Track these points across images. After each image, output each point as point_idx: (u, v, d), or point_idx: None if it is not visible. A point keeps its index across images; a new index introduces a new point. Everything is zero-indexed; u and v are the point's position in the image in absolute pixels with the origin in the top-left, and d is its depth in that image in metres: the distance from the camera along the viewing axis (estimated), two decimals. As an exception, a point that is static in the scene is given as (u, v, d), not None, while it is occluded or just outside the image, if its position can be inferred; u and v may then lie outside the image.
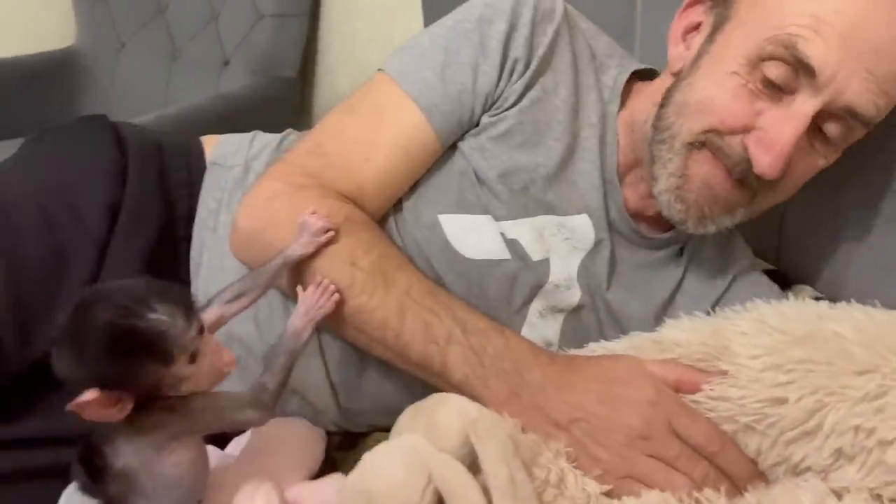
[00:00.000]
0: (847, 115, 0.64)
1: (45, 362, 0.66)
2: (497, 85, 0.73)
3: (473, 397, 0.62)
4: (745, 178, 0.67)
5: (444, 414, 0.59)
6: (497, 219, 0.73)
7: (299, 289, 0.63)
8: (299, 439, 0.73)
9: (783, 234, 0.89)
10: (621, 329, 0.75)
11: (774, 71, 0.64)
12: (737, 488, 0.58)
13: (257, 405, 0.58)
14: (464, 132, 0.75)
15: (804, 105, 0.63)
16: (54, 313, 0.68)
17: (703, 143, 0.68)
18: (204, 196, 0.80)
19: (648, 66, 0.80)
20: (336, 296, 0.63)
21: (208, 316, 0.64)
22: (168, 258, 0.76)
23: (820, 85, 0.63)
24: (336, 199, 0.70)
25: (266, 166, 0.79)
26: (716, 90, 0.67)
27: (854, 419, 0.54)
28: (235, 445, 0.73)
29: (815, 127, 0.66)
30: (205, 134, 0.90)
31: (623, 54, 0.81)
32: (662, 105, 0.71)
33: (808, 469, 0.57)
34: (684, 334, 0.64)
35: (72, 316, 0.53)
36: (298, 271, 0.67)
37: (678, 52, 0.74)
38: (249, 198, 0.71)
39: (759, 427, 0.58)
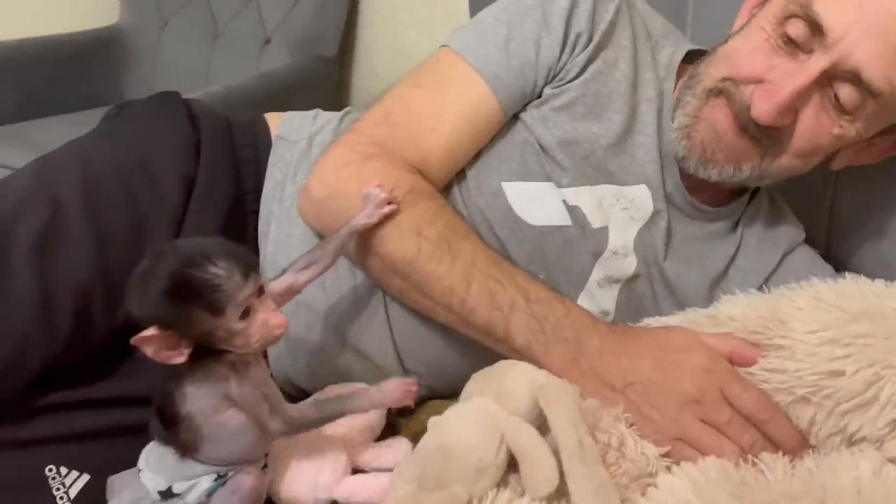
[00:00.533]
0: (855, 79, 0.65)
1: (130, 327, 0.71)
2: (559, 58, 0.75)
3: (534, 362, 0.64)
4: (747, 125, 0.69)
5: (513, 379, 0.61)
6: (559, 186, 0.75)
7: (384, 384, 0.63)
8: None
9: (833, 216, 0.91)
10: (676, 300, 0.77)
11: (794, 29, 0.66)
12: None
13: (287, 423, 0.62)
14: (526, 103, 0.77)
15: (814, 62, 0.65)
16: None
17: (721, 91, 0.71)
18: (270, 169, 0.82)
19: (702, 48, 0.82)
20: (413, 397, 0.63)
21: (280, 284, 0.68)
22: (238, 230, 0.79)
23: (829, 44, 0.64)
24: (403, 168, 0.72)
25: (330, 140, 0.82)
26: (742, 42, 0.72)
27: None
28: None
29: (830, 91, 0.67)
30: (250, 109, 0.93)
31: (678, 35, 0.83)
32: (703, 61, 0.75)
33: (863, 439, 0.58)
34: (739, 309, 0.65)
35: (147, 260, 0.58)
36: (366, 239, 0.70)
37: (739, 24, 0.77)
38: (320, 166, 0.74)
39: (815, 398, 0.59)
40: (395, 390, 0.62)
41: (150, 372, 0.72)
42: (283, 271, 0.68)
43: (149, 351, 0.57)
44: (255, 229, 0.81)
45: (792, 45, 0.67)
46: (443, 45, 0.78)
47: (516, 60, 0.75)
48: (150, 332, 0.56)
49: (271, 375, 0.64)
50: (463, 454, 0.55)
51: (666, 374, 0.62)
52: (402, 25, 1.97)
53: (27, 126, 1.89)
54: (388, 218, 0.69)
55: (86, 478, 0.68)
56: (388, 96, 0.78)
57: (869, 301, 0.61)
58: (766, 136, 0.70)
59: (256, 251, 0.80)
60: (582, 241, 0.76)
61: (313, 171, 0.75)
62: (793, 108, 0.68)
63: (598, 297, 0.77)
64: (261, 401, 0.61)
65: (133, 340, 0.56)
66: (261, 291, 0.59)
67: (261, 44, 2.06)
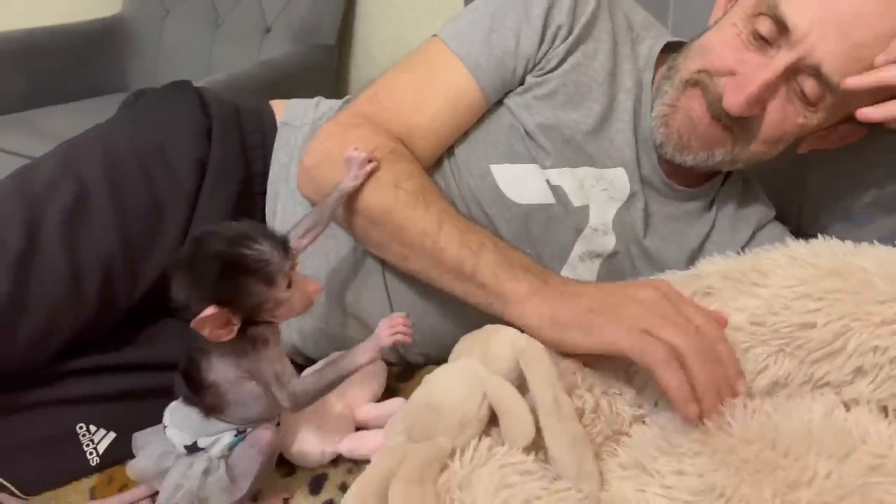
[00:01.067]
0: (817, 74, 0.71)
1: (149, 298, 0.77)
2: (539, 49, 0.81)
3: (500, 293, 0.68)
4: (720, 115, 0.75)
5: (497, 342, 0.65)
6: (543, 167, 0.81)
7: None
8: (366, 369, 0.83)
9: (805, 195, 0.96)
10: (656, 273, 0.82)
11: (762, 26, 0.72)
12: (726, 379, 0.61)
13: (291, 399, 0.66)
14: (508, 90, 0.83)
15: (780, 58, 0.71)
16: (154, 256, 0.78)
17: (697, 82, 0.76)
18: (276, 153, 0.88)
19: (682, 40, 0.87)
20: (405, 330, 0.66)
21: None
22: (248, 210, 0.85)
23: (794, 41, 0.70)
24: (386, 136, 0.78)
25: None
26: (715, 37, 0.77)
27: (874, 340, 0.61)
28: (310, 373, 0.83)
29: (795, 83, 0.73)
30: (252, 96, 0.98)
31: (659, 28, 0.88)
32: (680, 53, 0.81)
33: (827, 384, 0.64)
34: (719, 265, 0.70)
35: (189, 247, 0.63)
36: (349, 200, 0.76)
37: (715, 17, 0.82)
38: (312, 141, 0.81)
39: (789, 349, 0.64)
40: (385, 330, 0.65)
41: (167, 339, 0.79)
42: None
43: (205, 331, 0.61)
44: (263, 209, 0.87)
45: (761, 41, 0.73)
46: (433, 35, 0.84)
47: (497, 50, 0.80)
48: (210, 310, 0.60)
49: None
50: (448, 409, 0.60)
51: (624, 298, 0.64)
52: (399, 15, 2.01)
53: (35, 114, 1.93)
54: (369, 175, 0.75)
55: (112, 435, 0.75)
56: (378, 81, 0.84)
57: (839, 259, 0.65)
58: (737, 125, 0.76)
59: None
60: (564, 218, 0.82)
61: (307, 146, 0.81)
62: (761, 100, 0.73)
63: (579, 270, 0.83)
64: (272, 377, 0.65)
65: (193, 324, 0.59)
66: (293, 264, 0.65)
67: (261, 33, 2.09)
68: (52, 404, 0.72)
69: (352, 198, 0.75)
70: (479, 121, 0.83)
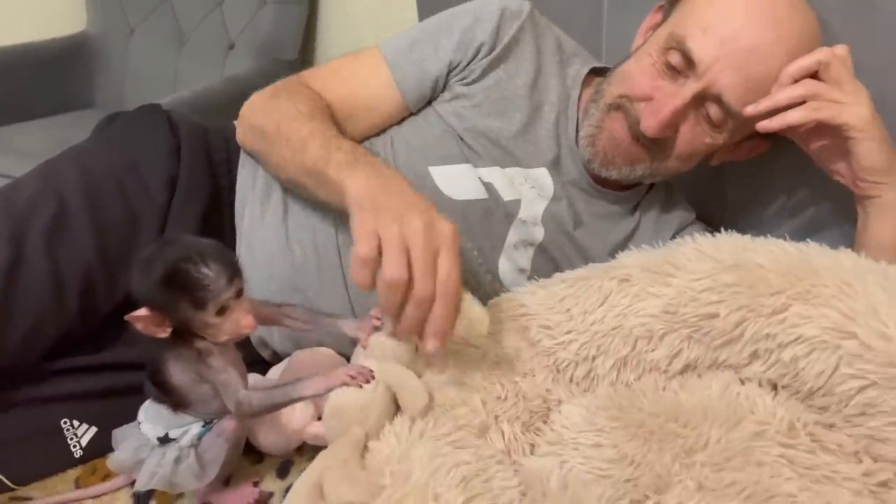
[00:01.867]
0: (719, 101, 0.81)
1: (127, 303, 0.84)
2: (459, 57, 0.92)
3: (341, 187, 0.74)
4: (639, 136, 0.85)
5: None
6: (475, 166, 0.91)
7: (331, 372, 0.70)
8: (326, 365, 0.90)
9: (726, 201, 1.07)
10: (586, 260, 0.91)
11: (673, 58, 0.83)
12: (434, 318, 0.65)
13: (237, 407, 0.70)
14: (431, 94, 0.94)
15: (688, 87, 0.82)
16: (130, 265, 0.84)
17: (619, 106, 0.87)
18: (243, 162, 0.96)
19: (605, 66, 0.98)
20: (362, 381, 0.68)
21: (267, 308, 0.77)
22: (216, 220, 0.92)
23: (699, 73, 0.81)
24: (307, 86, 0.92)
25: None
26: (634, 65, 0.88)
27: (766, 329, 0.69)
28: (275, 371, 0.90)
29: (703, 109, 0.83)
30: (216, 112, 1.07)
31: (586, 55, 1.00)
32: (605, 79, 0.91)
33: (729, 366, 0.72)
34: (638, 256, 0.79)
35: (153, 246, 0.68)
36: (254, 114, 0.93)
37: (637, 45, 0.93)
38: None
39: (696, 336, 0.72)
40: (343, 372, 0.69)
41: (143, 341, 0.85)
42: (277, 305, 0.78)
43: (139, 326, 0.66)
44: (231, 218, 0.94)
45: (673, 71, 0.83)
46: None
47: (417, 55, 0.93)
48: (142, 312, 0.66)
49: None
50: (349, 405, 0.69)
51: (399, 200, 0.70)
52: (358, 31, 2.08)
53: (3, 131, 1.96)
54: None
55: (94, 430, 0.81)
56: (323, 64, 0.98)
57: (739, 254, 0.73)
58: (654, 144, 0.86)
59: (234, 235, 0.93)
60: (497, 210, 0.91)
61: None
62: (673, 123, 0.84)
63: (515, 258, 0.92)
64: (219, 384, 0.70)
65: (127, 317, 0.65)
66: (240, 293, 0.68)
67: (225, 49, 2.13)
68: (38, 401, 0.79)
69: (255, 116, 0.91)
70: (417, 129, 0.94)
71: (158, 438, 0.74)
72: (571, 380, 0.77)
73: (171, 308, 0.66)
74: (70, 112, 2.19)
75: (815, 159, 0.86)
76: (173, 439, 0.74)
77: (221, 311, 0.67)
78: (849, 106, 0.78)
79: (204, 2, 2.15)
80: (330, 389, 0.69)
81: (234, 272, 0.67)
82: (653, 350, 0.74)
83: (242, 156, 0.97)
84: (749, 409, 0.67)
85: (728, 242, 0.76)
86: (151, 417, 0.75)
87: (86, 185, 0.83)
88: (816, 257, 0.71)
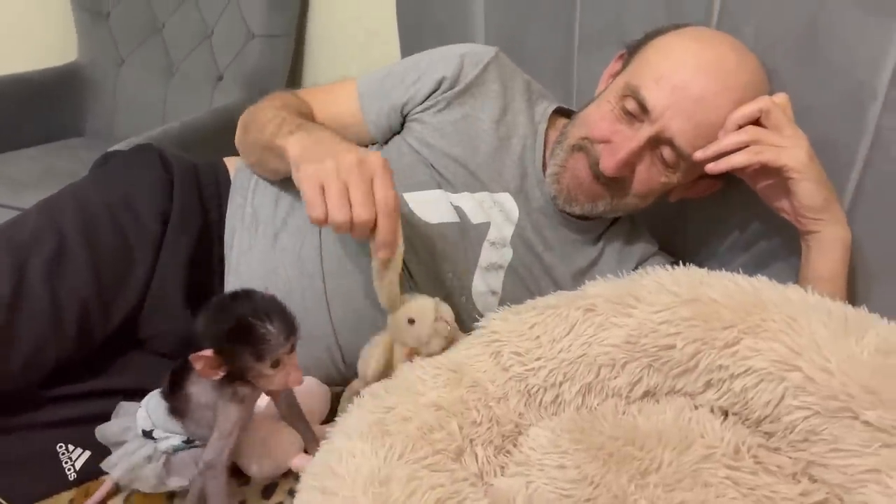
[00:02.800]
0: (671, 144, 0.88)
1: (120, 332, 0.89)
2: (418, 88, 1.00)
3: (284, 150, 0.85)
4: (599, 175, 0.92)
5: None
6: (447, 191, 0.98)
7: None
8: (311, 394, 0.93)
9: (686, 234, 1.13)
10: (551, 281, 0.98)
11: (629, 104, 0.90)
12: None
13: (205, 465, 0.74)
14: (391, 122, 1.02)
15: (643, 131, 0.89)
16: (125, 294, 0.90)
17: (581, 147, 0.94)
18: (232, 195, 1.02)
19: (570, 108, 1.06)
20: None
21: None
22: (206, 251, 0.97)
23: (653, 119, 0.88)
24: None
25: None
26: (595, 110, 0.95)
27: (718, 360, 0.72)
28: (263, 399, 0.94)
29: (657, 151, 0.90)
30: (205, 142, 1.13)
31: (551, 97, 1.08)
32: (570, 122, 0.98)
33: (686, 394, 0.77)
34: (602, 287, 0.82)
35: (226, 297, 0.74)
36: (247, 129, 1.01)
37: (599, 90, 1.00)
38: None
39: (656, 365, 0.77)
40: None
41: (134, 369, 0.90)
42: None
43: (197, 366, 0.71)
44: (220, 249, 0.99)
45: (630, 116, 0.90)
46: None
47: (385, 87, 1.02)
48: (208, 353, 0.71)
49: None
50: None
51: (330, 147, 0.81)
52: (344, 64, 2.14)
53: (-4, 160, 1.99)
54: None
55: (87, 454, 0.85)
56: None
57: (696, 288, 0.76)
58: (614, 183, 0.93)
59: (222, 266, 0.98)
60: (467, 233, 0.97)
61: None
62: (630, 163, 0.91)
63: (487, 279, 0.98)
64: (217, 427, 0.74)
65: (191, 357, 0.70)
66: (293, 349, 0.74)
67: (213, 80, 2.18)
68: (36, 427, 0.83)
69: (244, 120, 1.03)
70: (390, 159, 0.96)
71: (143, 431, 0.78)
72: (540, 404, 0.81)
73: (233, 356, 0.72)
74: (60, 140, 2.22)
75: (762, 198, 0.93)
76: (154, 439, 0.78)
77: (276, 363, 0.73)
78: (787, 149, 0.84)
79: (193, 34, 2.20)
80: None
81: (291, 330, 0.73)
82: (615, 377, 0.78)
83: (232, 189, 1.02)
84: (699, 434, 0.72)
85: (686, 276, 0.80)
86: (151, 408, 0.79)
87: (83, 221, 0.89)
88: (766, 292, 0.75)
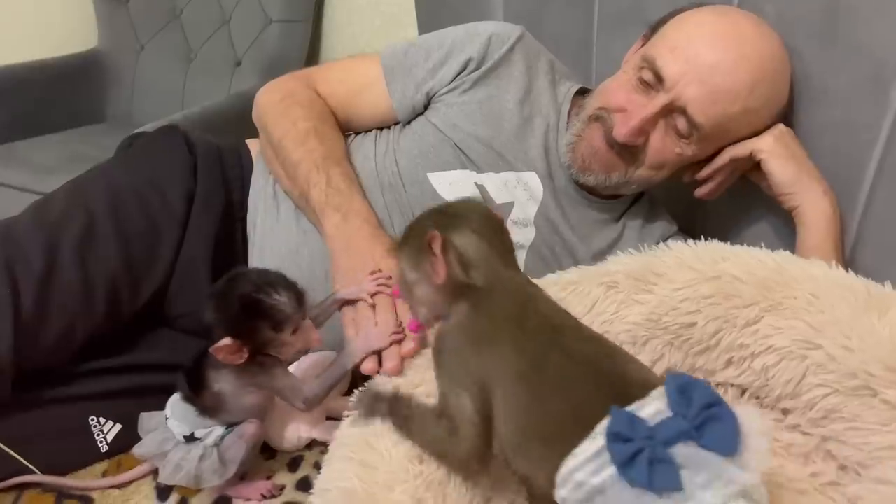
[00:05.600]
0: (685, 114, 0.89)
1: (149, 308, 0.91)
2: (448, 70, 1.00)
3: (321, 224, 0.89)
4: (613, 143, 0.93)
5: None
6: (470, 171, 0.98)
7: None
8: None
9: (706, 212, 1.13)
10: (575, 261, 0.98)
11: (645, 74, 0.91)
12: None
13: (307, 402, 0.78)
14: (415, 98, 1.02)
15: (657, 99, 0.89)
16: (152, 272, 0.91)
17: (597, 117, 0.94)
18: (255, 177, 1.03)
19: (592, 88, 1.06)
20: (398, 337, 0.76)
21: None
22: (230, 231, 0.99)
23: (667, 88, 0.89)
24: (307, 88, 1.03)
25: None
26: (611, 82, 0.96)
27: (740, 338, 0.73)
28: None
29: (672, 121, 0.91)
30: (225, 127, 1.14)
31: (575, 78, 1.08)
32: (588, 95, 1.00)
33: (706, 371, 0.76)
34: (623, 264, 0.82)
35: (223, 283, 0.75)
36: (268, 130, 1.00)
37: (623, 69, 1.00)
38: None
39: (676, 343, 0.77)
40: (376, 334, 0.76)
41: (163, 345, 0.92)
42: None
43: (220, 356, 0.73)
44: (243, 230, 1.01)
45: (645, 86, 0.91)
46: None
47: (409, 61, 1.02)
48: (226, 341, 0.72)
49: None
50: None
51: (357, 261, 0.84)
52: (361, 49, 2.14)
53: (18, 146, 2.02)
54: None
55: (118, 427, 0.88)
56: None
57: (717, 265, 0.76)
58: (627, 152, 0.93)
59: (245, 245, 1.00)
60: None
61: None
62: (644, 131, 0.91)
63: None
64: (285, 390, 0.78)
65: (211, 349, 0.71)
66: (305, 315, 0.76)
67: (232, 66, 2.20)
68: (69, 400, 0.85)
69: (266, 117, 1.01)
70: (415, 140, 1.01)
71: (185, 437, 0.80)
72: None
73: (252, 334, 0.73)
74: (82, 127, 2.25)
75: (763, 189, 0.97)
76: (198, 439, 0.80)
77: (294, 330, 0.75)
78: (753, 140, 0.92)
79: (211, 20, 2.22)
80: (369, 350, 0.76)
81: (300, 295, 0.75)
82: (637, 355, 0.78)
83: (255, 171, 1.04)
84: None
85: (707, 251, 0.79)
86: (179, 415, 0.81)
87: (111, 200, 0.90)
88: (789, 268, 0.75)
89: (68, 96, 2.25)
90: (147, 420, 0.83)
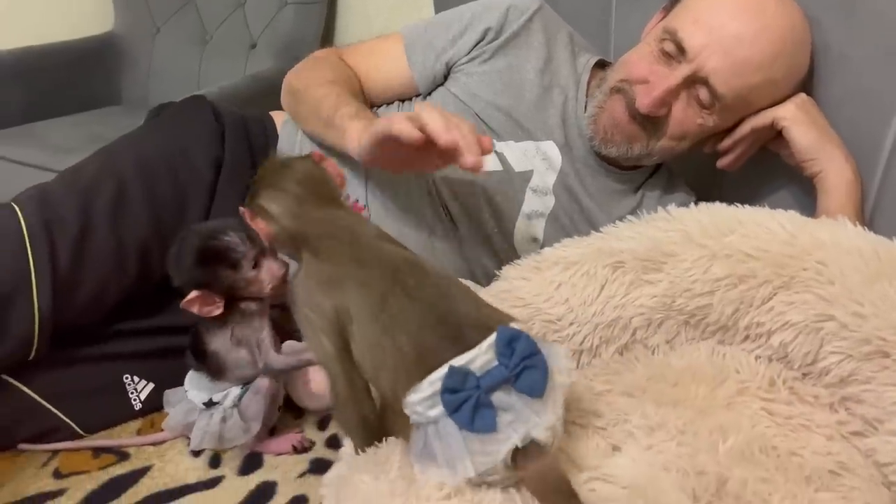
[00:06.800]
0: (706, 84, 0.90)
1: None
2: (463, 37, 1.02)
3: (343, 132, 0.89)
4: (635, 114, 0.94)
5: None
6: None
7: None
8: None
9: (722, 184, 1.15)
10: (594, 229, 0.95)
11: (667, 45, 0.92)
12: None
13: (265, 367, 0.82)
14: (435, 69, 1.04)
15: (679, 70, 0.91)
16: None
17: (619, 89, 0.96)
18: (280, 145, 1.06)
19: (609, 60, 1.08)
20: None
21: None
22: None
23: (690, 59, 0.90)
24: (336, 55, 1.08)
25: None
26: (633, 54, 0.98)
27: (756, 318, 0.74)
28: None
29: (694, 92, 0.92)
30: (242, 107, 1.16)
31: (593, 50, 1.10)
32: (610, 68, 1.01)
33: (721, 342, 0.77)
34: (628, 240, 0.80)
35: (176, 244, 0.81)
36: (290, 82, 1.05)
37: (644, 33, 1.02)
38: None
39: (692, 322, 0.78)
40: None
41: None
42: None
43: (194, 309, 0.78)
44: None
45: (667, 57, 0.92)
46: None
47: (429, 35, 1.05)
48: (192, 295, 0.77)
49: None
50: None
51: None
52: (377, 31, 2.14)
53: (36, 126, 2.04)
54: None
55: (151, 386, 0.90)
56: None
57: (725, 239, 0.75)
58: (650, 123, 0.95)
59: None
60: (509, 179, 1.00)
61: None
62: (667, 102, 0.92)
63: (529, 226, 1.02)
64: (254, 343, 0.82)
65: (182, 305, 0.76)
66: (263, 251, 0.80)
67: (247, 48, 2.20)
68: (103, 359, 0.88)
69: (292, 82, 1.04)
70: None
71: (204, 403, 0.83)
72: (578, 366, 0.80)
73: (214, 280, 0.78)
74: (99, 109, 2.27)
75: (784, 158, 0.98)
76: (217, 402, 0.83)
77: (256, 265, 0.80)
78: (775, 109, 0.93)
79: (227, 2, 2.23)
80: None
81: (249, 233, 0.79)
82: (652, 336, 0.79)
83: (280, 140, 1.05)
84: (734, 369, 0.73)
85: (713, 223, 0.77)
86: (195, 385, 0.84)
87: (141, 167, 0.92)
88: (799, 236, 0.74)
89: (85, 78, 2.27)
90: (171, 396, 0.86)
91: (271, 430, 0.87)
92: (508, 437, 0.54)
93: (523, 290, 0.82)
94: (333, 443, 0.85)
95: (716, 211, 0.80)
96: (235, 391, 0.83)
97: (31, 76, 2.14)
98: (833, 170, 0.92)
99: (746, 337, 0.76)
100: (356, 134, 0.85)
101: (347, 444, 0.67)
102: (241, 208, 0.73)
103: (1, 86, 2.06)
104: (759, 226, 0.77)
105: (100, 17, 2.37)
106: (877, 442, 0.67)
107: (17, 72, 2.10)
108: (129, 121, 2.00)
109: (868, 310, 0.68)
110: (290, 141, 1.05)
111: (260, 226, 0.72)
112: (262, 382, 0.83)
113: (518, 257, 0.98)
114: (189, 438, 0.84)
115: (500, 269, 0.88)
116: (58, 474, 0.81)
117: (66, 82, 2.22)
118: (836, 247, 0.73)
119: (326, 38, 2.24)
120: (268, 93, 2.01)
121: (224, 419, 0.82)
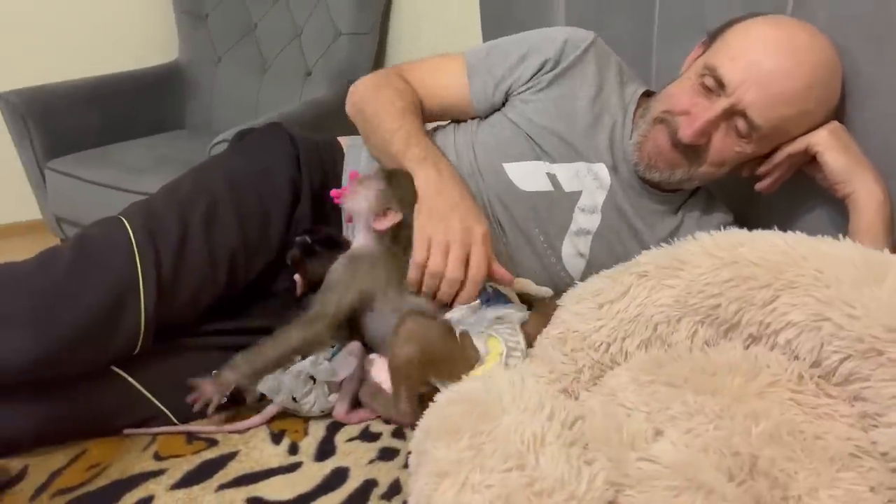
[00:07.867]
0: (744, 116, 0.98)
1: (259, 280, 1.03)
2: (522, 66, 1.11)
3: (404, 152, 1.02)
4: (678, 143, 1.02)
5: None
6: (544, 162, 1.09)
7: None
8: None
9: (760, 206, 1.21)
10: (641, 245, 1.07)
11: (708, 80, 1.00)
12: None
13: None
14: (493, 93, 1.13)
15: (719, 103, 0.98)
16: (264, 249, 1.04)
17: (662, 119, 1.04)
18: (346, 166, 1.16)
19: (654, 90, 1.15)
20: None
21: None
22: (328, 214, 1.11)
23: (729, 93, 0.97)
24: (399, 77, 1.15)
25: None
26: (676, 87, 1.05)
27: (759, 316, 0.79)
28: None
29: (732, 123, 0.99)
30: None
31: (640, 81, 1.18)
32: (653, 99, 1.09)
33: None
34: (652, 256, 0.90)
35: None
36: (362, 104, 1.14)
37: (684, 68, 1.10)
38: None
39: (707, 321, 0.84)
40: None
41: (272, 313, 1.04)
42: None
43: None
44: (338, 214, 1.12)
45: (707, 91, 1.00)
46: None
47: (490, 60, 1.14)
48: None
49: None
50: None
51: (447, 202, 0.97)
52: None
53: (111, 148, 2.20)
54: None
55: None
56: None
57: (734, 251, 0.82)
58: (691, 151, 1.03)
59: (340, 227, 1.12)
60: (560, 200, 1.09)
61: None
62: (707, 133, 1.00)
63: (576, 243, 1.10)
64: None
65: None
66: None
67: (303, 76, 2.35)
68: (195, 355, 0.98)
69: (362, 101, 1.13)
70: (493, 133, 1.12)
71: (299, 371, 0.94)
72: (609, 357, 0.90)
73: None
74: (165, 132, 2.42)
75: (818, 181, 1.05)
76: (313, 378, 0.94)
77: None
78: (809, 136, 1.01)
79: (284, 33, 2.38)
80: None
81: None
82: (673, 332, 0.86)
83: (348, 158, 1.16)
84: (766, 364, 0.79)
85: (726, 240, 0.86)
86: (298, 370, 0.95)
87: (230, 185, 1.03)
88: (799, 247, 0.81)
89: (154, 104, 2.42)
90: (269, 380, 0.95)
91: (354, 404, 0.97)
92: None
93: (564, 298, 0.95)
94: (399, 433, 0.94)
95: (731, 231, 0.88)
96: (326, 354, 0.96)
97: (105, 102, 2.28)
98: (864, 191, 0.98)
99: (755, 336, 0.82)
100: (420, 186, 1.00)
101: (428, 412, 0.76)
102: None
103: (80, 111, 2.21)
104: (766, 240, 0.84)
105: (166, 47, 2.52)
106: (879, 435, 0.72)
107: (93, 98, 2.25)
108: (193, 144, 2.16)
109: (860, 311, 0.73)
110: (356, 164, 1.16)
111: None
112: (353, 345, 0.96)
113: (566, 271, 1.07)
114: (270, 421, 0.95)
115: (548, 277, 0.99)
116: (157, 456, 0.90)
117: (137, 108, 2.38)
118: (832, 257, 0.80)
119: (377, 66, 2.35)
120: (323, 118, 2.16)
121: (314, 363, 0.94)
